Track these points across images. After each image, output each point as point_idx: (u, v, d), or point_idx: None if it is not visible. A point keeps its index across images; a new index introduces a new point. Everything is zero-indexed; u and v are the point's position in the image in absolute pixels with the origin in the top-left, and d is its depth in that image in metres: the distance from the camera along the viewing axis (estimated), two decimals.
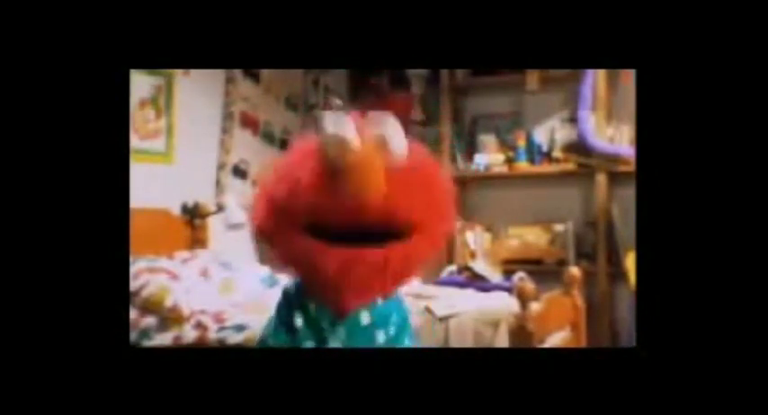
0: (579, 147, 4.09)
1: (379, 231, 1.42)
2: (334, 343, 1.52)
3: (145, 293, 2.65)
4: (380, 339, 1.54)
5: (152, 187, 3.28)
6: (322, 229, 1.44)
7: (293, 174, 1.44)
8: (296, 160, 1.48)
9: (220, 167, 3.87)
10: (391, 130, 1.44)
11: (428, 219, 1.47)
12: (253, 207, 1.56)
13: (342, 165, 1.37)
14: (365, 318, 1.53)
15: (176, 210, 3.52)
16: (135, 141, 3.28)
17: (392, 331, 1.56)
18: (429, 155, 1.55)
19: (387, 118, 1.46)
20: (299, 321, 1.56)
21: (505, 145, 4.39)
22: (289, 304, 1.60)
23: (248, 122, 4.09)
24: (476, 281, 3.35)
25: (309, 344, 1.54)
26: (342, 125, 1.42)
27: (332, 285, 1.47)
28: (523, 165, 4.29)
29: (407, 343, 1.60)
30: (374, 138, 1.42)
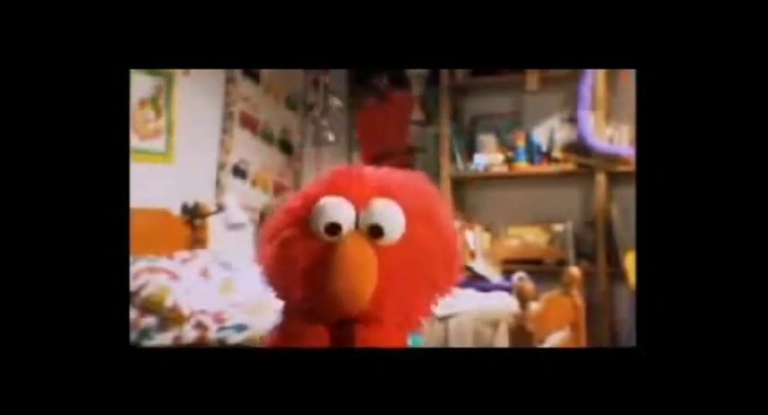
0: (579, 147, 4.09)
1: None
2: None
3: (145, 293, 2.65)
4: None
5: (152, 187, 3.28)
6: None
7: (288, 249, 1.45)
8: (286, 222, 1.49)
9: (220, 167, 3.88)
10: (387, 216, 1.43)
11: (423, 305, 1.50)
12: (258, 253, 1.57)
13: (332, 266, 1.39)
14: None
15: (176, 210, 3.52)
16: (135, 141, 3.29)
17: None
18: (434, 204, 1.54)
19: (385, 204, 1.45)
20: None
21: (505, 145, 4.39)
22: None
23: (248, 122, 4.09)
24: (475, 281, 3.36)
25: None
26: (337, 210, 1.43)
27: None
28: (523, 165, 4.29)
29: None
30: (367, 223, 1.43)
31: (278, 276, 1.49)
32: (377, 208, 1.43)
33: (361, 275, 1.39)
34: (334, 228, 1.41)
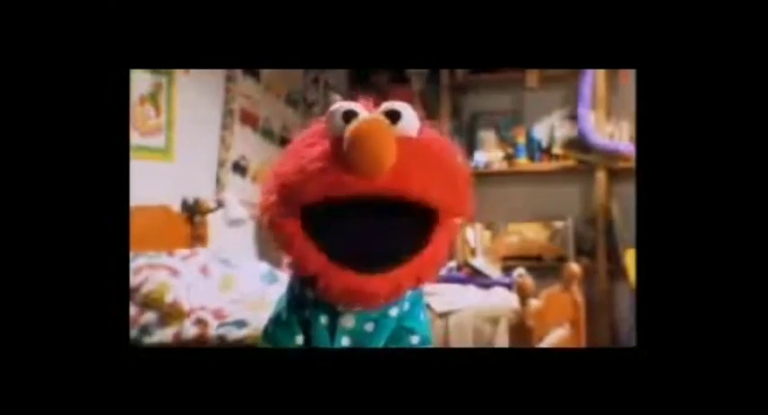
0: (579, 144, 4.09)
1: (389, 206, 1.38)
2: (348, 316, 1.52)
3: (145, 289, 2.65)
4: (393, 313, 1.53)
5: (152, 184, 3.28)
6: (330, 217, 1.40)
7: (301, 152, 1.42)
8: (304, 140, 1.47)
9: (220, 164, 3.87)
10: (401, 106, 1.42)
11: (443, 195, 1.43)
12: (261, 198, 1.51)
13: (349, 134, 1.34)
14: None
15: (176, 207, 3.52)
16: (135, 138, 3.28)
17: (406, 305, 1.56)
18: (442, 136, 1.52)
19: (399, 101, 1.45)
20: (310, 295, 1.55)
21: (505, 141, 4.39)
22: (301, 280, 1.57)
23: (248, 119, 4.09)
24: (476, 278, 3.36)
25: (323, 319, 1.53)
26: (353, 104, 1.43)
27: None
28: (523, 162, 4.29)
29: (421, 317, 1.60)
30: (384, 110, 1.41)
31: (296, 175, 1.40)
32: (391, 102, 1.43)
33: (380, 138, 1.34)
34: (350, 115, 1.38)
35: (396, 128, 1.38)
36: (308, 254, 1.42)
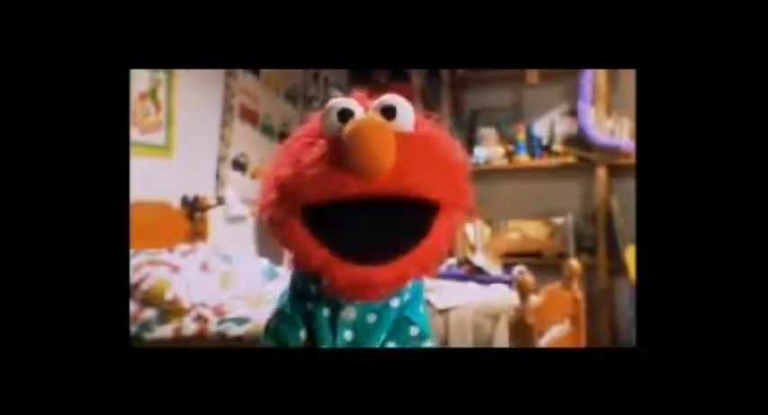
0: (579, 141, 4.10)
1: (390, 203, 1.36)
2: (349, 308, 1.52)
3: (145, 285, 2.65)
4: (395, 303, 1.54)
5: (152, 180, 3.28)
6: (330, 214, 1.37)
7: (298, 153, 1.40)
8: (300, 138, 1.44)
9: (220, 160, 3.88)
10: (396, 100, 1.40)
11: (443, 190, 1.41)
12: (260, 197, 1.49)
13: (347, 136, 1.31)
14: None
15: (176, 203, 3.52)
16: (135, 134, 3.27)
17: (406, 296, 1.56)
18: (439, 128, 1.50)
19: (394, 94, 1.43)
20: (313, 289, 1.55)
21: (505, 138, 4.40)
22: (304, 275, 1.57)
23: (248, 115, 4.08)
24: (476, 274, 3.36)
25: (325, 311, 1.53)
26: (348, 101, 1.41)
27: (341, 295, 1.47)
28: (523, 159, 4.30)
29: (421, 310, 1.60)
30: (380, 106, 1.40)
31: (294, 178, 1.37)
32: (386, 96, 1.41)
33: (378, 138, 1.31)
34: (346, 113, 1.37)
35: (392, 124, 1.37)
36: (310, 250, 1.40)
